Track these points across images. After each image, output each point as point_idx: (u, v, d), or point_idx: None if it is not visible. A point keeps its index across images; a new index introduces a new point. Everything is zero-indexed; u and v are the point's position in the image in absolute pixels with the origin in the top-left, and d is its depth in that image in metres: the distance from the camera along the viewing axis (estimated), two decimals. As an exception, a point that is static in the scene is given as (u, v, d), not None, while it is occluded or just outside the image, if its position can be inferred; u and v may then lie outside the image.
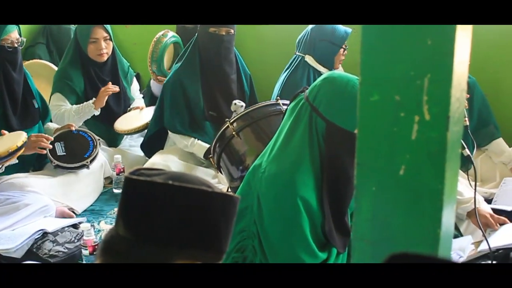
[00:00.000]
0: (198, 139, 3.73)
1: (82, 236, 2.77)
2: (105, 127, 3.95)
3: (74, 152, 3.41)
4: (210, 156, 3.13)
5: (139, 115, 3.98)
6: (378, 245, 1.37)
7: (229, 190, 3.30)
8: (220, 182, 3.61)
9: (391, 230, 1.35)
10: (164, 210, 1.04)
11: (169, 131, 3.82)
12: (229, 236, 1.15)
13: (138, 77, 4.74)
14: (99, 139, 3.64)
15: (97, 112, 3.76)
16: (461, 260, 2.50)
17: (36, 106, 3.46)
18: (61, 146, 3.40)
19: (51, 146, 3.19)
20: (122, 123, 3.90)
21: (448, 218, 1.20)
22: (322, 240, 2.14)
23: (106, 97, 3.74)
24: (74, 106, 3.78)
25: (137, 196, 1.06)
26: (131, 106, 4.10)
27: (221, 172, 3.10)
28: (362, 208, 1.24)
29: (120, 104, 4.04)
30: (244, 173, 2.73)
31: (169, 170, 1.16)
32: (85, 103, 3.76)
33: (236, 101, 3.38)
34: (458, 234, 2.75)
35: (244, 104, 3.41)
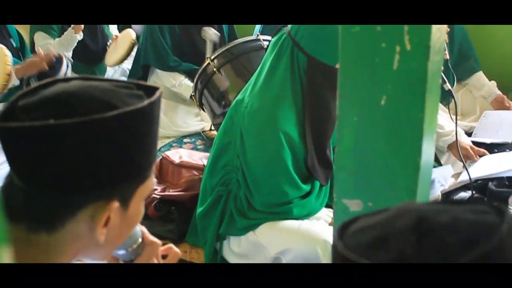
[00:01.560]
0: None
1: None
2: (84, 66, 3.90)
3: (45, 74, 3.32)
4: (193, 94, 3.13)
5: (120, 40, 3.86)
6: (360, 175, 1.39)
7: (213, 127, 3.32)
8: (203, 120, 3.61)
9: (373, 160, 1.37)
10: (54, 154, 0.85)
11: (157, 69, 3.75)
12: (148, 148, 0.94)
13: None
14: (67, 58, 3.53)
15: (79, 36, 3.68)
16: (441, 189, 2.55)
17: (14, 45, 3.41)
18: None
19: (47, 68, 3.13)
20: (111, 56, 3.81)
21: (428, 147, 1.22)
22: (304, 173, 2.17)
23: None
24: (57, 39, 3.73)
25: (19, 144, 0.86)
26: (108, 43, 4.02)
27: (203, 110, 3.10)
28: (344, 138, 1.25)
29: (97, 41, 3.96)
30: (226, 109, 2.73)
31: (54, 95, 0.90)
32: (65, 32, 3.70)
33: (206, 28, 3.33)
34: (438, 166, 2.80)
35: (218, 34, 3.37)
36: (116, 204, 0.92)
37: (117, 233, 0.96)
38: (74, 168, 0.86)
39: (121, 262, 1.10)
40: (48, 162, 0.85)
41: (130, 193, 0.94)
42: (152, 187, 0.99)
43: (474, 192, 2.49)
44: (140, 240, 1.07)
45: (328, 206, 2.29)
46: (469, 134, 3.04)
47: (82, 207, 0.90)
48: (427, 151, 1.23)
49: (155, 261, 1.09)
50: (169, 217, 2.49)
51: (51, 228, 0.90)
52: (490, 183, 2.53)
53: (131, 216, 0.96)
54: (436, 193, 2.52)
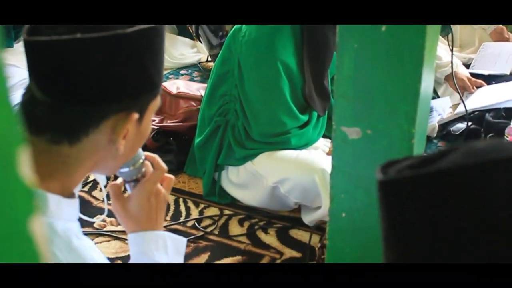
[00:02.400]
0: None
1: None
2: None
3: None
4: (189, 25, 3.09)
5: None
6: (359, 102, 1.40)
7: (209, 58, 3.29)
8: (199, 51, 3.58)
9: (372, 87, 1.37)
10: (80, 67, 0.89)
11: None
12: (159, 66, 0.99)
13: None
14: None
15: None
16: (439, 118, 2.55)
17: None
18: None
19: None
20: None
21: (428, 75, 1.22)
22: (302, 103, 2.17)
23: None
24: None
25: (46, 58, 0.89)
26: None
27: (200, 41, 3.07)
28: (344, 65, 1.25)
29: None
30: (223, 40, 2.71)
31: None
32: None
33: None
34: (436, 97, 2.80)
35: None
36: (136, 116, 0.95)
37: (131, 145, 0.99)
38: (99, 80, 0.90)
39: (123, 181, 1.14)
40: (75, 75, 0.89)
41: (145, 106, 0.98)
42: (159, 104, 1.03)
43: (470, 123, 2.50)
44: (142, 159, 1.10)
45: (325, 136, 2.30)
46: (467, 65, 3.02)
47: (105, 119, 0.93)
48: (427, 78, 1.23)
49: (159, 186, 1.12)
50: (167, 148, 2.50)
51: (75, 139, 0.93)
52: (487, 114, 2.54)
53: (144, 129, 1.00)
54: (434, 121, 2.53)
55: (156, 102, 1.01)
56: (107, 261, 0.99)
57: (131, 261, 1.10)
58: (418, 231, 0.51)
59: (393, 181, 0.52)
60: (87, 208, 2.22)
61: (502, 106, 2.57)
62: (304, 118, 2.18)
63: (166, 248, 1.11)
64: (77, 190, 1.02)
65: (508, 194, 0.47)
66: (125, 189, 1.14)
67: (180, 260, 1.16)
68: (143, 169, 1.11)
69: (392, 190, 0.53)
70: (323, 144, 2.30)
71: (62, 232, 0.91)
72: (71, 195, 0.98)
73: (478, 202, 0.48)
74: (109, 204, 1.17)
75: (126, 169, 1.09)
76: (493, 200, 0.48)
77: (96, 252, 0.97)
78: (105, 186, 1.29)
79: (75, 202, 0.99)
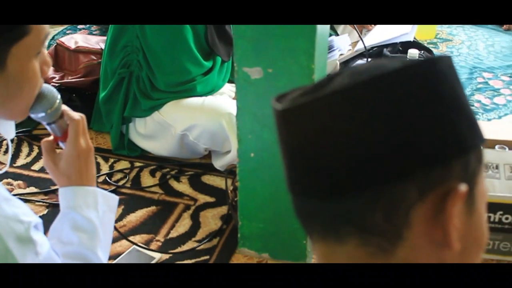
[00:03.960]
0: None
1: None
2: None
3: None
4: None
5: None
6: (258, 41, 1.41)
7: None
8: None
9: (271, 26, 1.39)
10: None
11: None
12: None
13: None
14: None
15: None
16: (340, 55, 2.60)
17: None
18: None
19: None
20: None
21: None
22: (206, 49, 2.16)
23: None
24: None
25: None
26: None
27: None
28: (241, 5, 1.25)
29: None
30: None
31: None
32: None
33: None
34: (335, 35, 2.86)
35: None
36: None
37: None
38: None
39: (54, 137, 1.11)
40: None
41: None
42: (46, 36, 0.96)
43: (370, 59, 2.57)
44: (58, 103, 1.07)
45: (230, 81, 2.31)
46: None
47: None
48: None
49: (89, 142, 1.11)
50: (71, 105, 2.37)
51: None
52: (384, 50, 2.63)
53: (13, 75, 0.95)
54: (335, 57, 2.59)
55: (27, 43, 0.94)
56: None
57: (60, 216, 1.09)
58: (316, 154, 0.52)
59: (290, 109, 0.53)
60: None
61: (398, 40, 2.66)
62: (208, 64, 2.18)
63: (97, 204, 1.10)
64: None
65: (393, 105, 0.49)
66: (58, 145, 1.13)
67: (112, 217, 1.15)
68: (60, 110, 1.09)
69: (290, 118, 0.54)
70: (229, 89, 2.31)
71: None
72: None
73: (367, 118, 0.50)
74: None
75: (42, 114, 1.06)
76: (381, 114, 0.49)
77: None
78: (12, 141, 1.25)
79: None
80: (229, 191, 1.91)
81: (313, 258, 1.77)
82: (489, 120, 2.61)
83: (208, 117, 2.08)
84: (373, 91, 0.50)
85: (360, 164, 0.49)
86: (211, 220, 1.97)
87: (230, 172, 2.04)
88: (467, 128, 0.51)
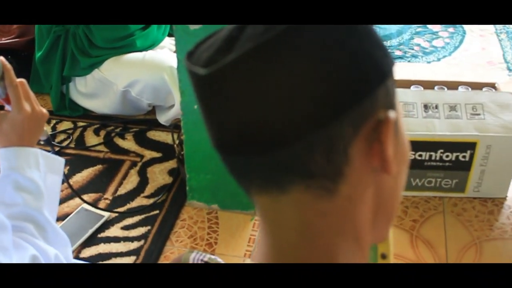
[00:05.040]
0: None
1: None
2: None
3: None
4: None
5: None
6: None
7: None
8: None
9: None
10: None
11: None
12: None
13: None
14: None
15: None
16: None
17: None
18: None
19: None
20: None
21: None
22: (142, 3, 2.12)
23: None
24: None
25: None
26: None
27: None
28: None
29: None
30: None
31: None
32: None
33: None
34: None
35: None
36: None
37: None
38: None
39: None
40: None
41: None
42: None
43: None
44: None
45: (170, 35, 2.27)
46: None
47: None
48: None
49: (25, 101, 1.08)
50: None
51: None
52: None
53: None
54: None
55: None
56: None
57: (1, 178, 1.07)
58: (248, 110, 0.51)
59: (214, 73, 0.49)
60: None
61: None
62: (146, 17, 2.14)
63: (38, 165, 1.09)
64: None
65: (316, 49, 0.48)
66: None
67: (58, 179, 1.14)
68: (0, 72, 1.07)
69: (216, 80, 0.50)
70: (169, 43, 2.28)
71: None
72: None
73: (293, 65, 0.48)
74: None
75: None
76: (306, 59, 0.48)
77: None
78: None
79: None
80: (175, 145, 1.90)
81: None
82: (428, 62, 2.66)
83: (149, 71, 2.05)
84: (294, 38, 0.49)
85: (295, 112, 0.49)
86: (158, 175, 1.97)
87: (175, 126, 2.03)
88: (382, 56, 0.52)
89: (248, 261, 1.65)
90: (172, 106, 2.09)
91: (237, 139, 0.51)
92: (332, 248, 0.54)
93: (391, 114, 0.51)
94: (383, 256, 0.83)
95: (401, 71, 2.57)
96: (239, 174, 0.54)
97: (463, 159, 1.79)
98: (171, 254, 1.67)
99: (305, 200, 0.52)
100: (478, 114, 1.79)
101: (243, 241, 1.72)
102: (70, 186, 1.61)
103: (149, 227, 1.76)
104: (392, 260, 0.84)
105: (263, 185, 0.53)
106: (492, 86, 1.95)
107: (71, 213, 1.79)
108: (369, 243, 0.58)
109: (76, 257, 1.66)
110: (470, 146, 1.76)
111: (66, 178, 1.93)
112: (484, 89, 1.92)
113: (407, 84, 1.94)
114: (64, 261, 1.28)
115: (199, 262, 1.21)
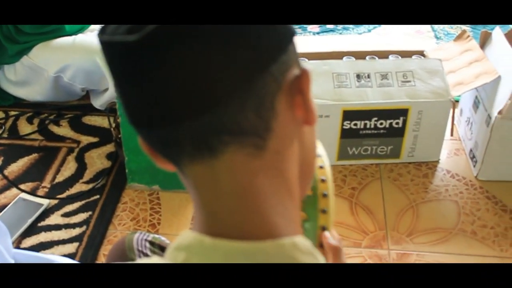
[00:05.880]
0: None
1: None
2: None
3: None
4: None
5: None
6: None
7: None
8: None
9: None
10: None
11: None
12: None
13: None
14: None
15: None
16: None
17: None
18: None
19: None
20: None
21: None
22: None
23: None
24: None
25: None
26: None
27: None
28: None
29: None
30: None
31: None
32: None
33: None
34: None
35: None
36: None
37: None
38: None
39: None
40: None
41: None
42: None
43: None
44: None
45: (100, 18, 2.23)
46: None
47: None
48: None
49: None
50: None
51: None
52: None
53: None
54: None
55: None
56: None
57: None
58: (173, 79, 0.50)
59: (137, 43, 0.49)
60: None
61: None
62: (73, 0, 2.09)
63: None
64: None
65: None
66: None
67: None
68: None
69: (139, 51, 0.50)
70: (99, 25, 2.24)
71: None
72: None
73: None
74: None
75: None
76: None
77: None
78: None
79: None
80: (112, 129, 1.88)
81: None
82: (359, 34, 2.71)
83: (81, 55, 2.01)
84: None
85: (225, 71, 0.50)
86: (97, 160, 1.94)
87: (111, 109, 2.00)
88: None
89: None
90: (107, 89, 2.06)
91: (168, 107, 0.51)
92: (269, 210, 0.55)
93: (307, 66, 0.55)
94: (323, 229, 0.85)
95: (333, 43, 2.60)
96: (168, 146, 0.54)
97: (396, 126, 1.84)
98: (114, 237, 1.66)
99: (238, 161, 0.53)
100: (409, 81, 1.84)
101: (186, 220, 1.72)
102: (5, 176, 1.57)
103: (90, 213, 1.74)
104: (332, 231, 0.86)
105: (195, 152, 0.53)
106: (421, 53, 2.00)
107: (9, 204, 1.76)
108: (300, 199, 0.60)
109: (17, 247, 1.63)
110: (402, 112, 1.81)
111: (1, 169, 1.89)
112: (413, 57, 1.97)
113: (339, 55, 1.97)
114: (4, 252, 1.25)
115: (143, 242, 1.21)
